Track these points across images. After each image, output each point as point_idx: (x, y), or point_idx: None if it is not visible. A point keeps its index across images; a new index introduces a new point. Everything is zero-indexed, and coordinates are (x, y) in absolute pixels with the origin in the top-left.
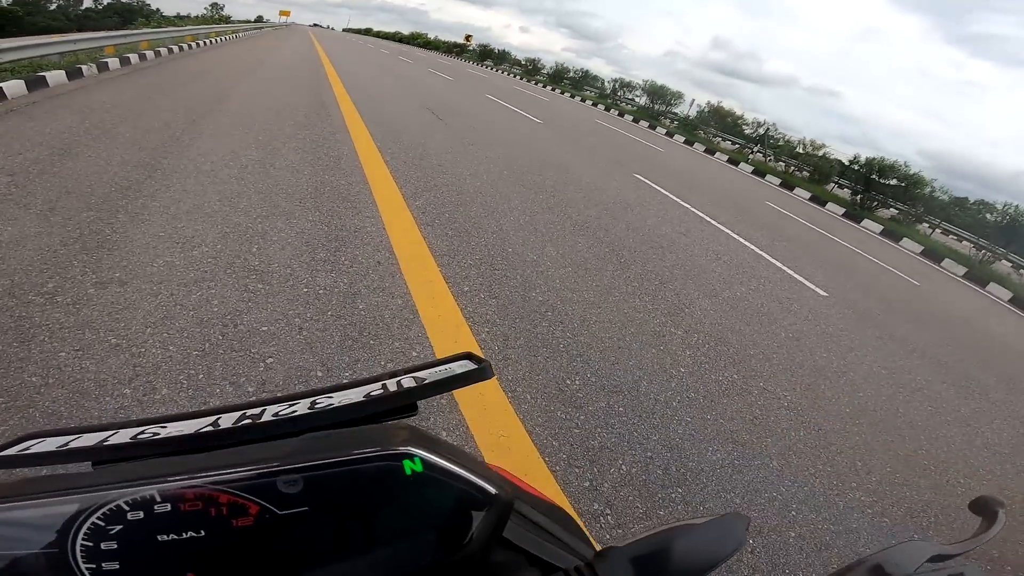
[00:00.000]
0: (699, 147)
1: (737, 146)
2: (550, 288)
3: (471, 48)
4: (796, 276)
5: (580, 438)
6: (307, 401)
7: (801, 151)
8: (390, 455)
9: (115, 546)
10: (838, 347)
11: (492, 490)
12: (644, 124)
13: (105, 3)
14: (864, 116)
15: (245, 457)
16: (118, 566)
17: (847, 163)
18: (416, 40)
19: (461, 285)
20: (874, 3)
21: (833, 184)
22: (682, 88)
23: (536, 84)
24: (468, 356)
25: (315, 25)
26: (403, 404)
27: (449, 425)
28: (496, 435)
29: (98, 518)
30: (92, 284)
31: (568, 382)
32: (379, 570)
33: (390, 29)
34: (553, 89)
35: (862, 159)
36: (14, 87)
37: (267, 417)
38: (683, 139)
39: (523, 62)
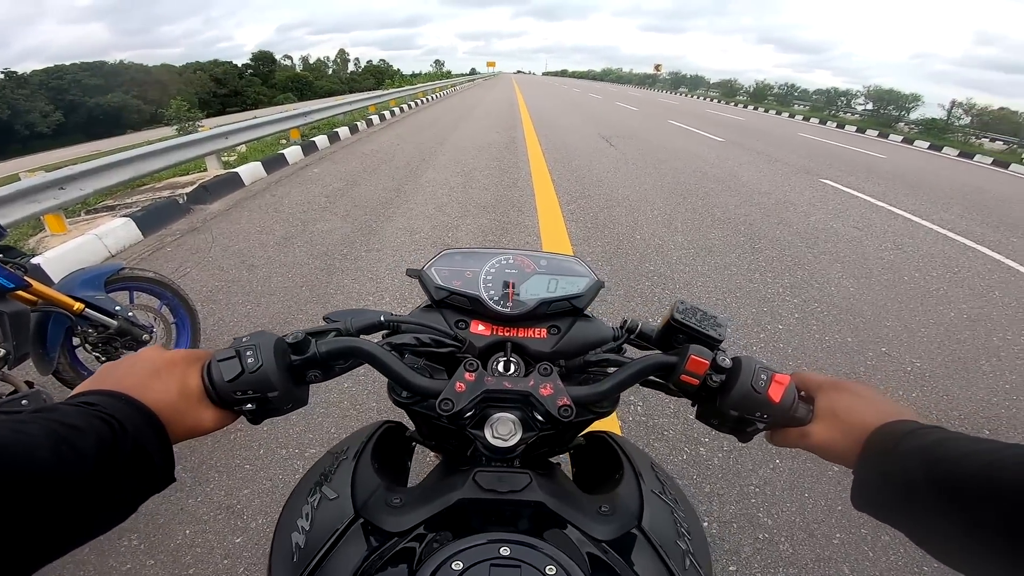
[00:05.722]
0: (951, 151)
1: (1009, 146)
2: (665, 263)
3: (662, 77)
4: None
5: None
6: None
7: None
8: None
9: None
10: None
11: None
12: (874, 134)
13: (363, 67)
14: None
15: None
16: None
17: None
18: (608, 76)
19: (584, 257)
20: None
21: None
22: (947, 91)
23: (735, 106)
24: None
25: (518, 72)
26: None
27: None
28: None
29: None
30: (364, 250)
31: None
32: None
33: (584, 68)
34: (755, 109)
35: None
36: (322, 141)
37: None
38: (927, 144)
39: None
